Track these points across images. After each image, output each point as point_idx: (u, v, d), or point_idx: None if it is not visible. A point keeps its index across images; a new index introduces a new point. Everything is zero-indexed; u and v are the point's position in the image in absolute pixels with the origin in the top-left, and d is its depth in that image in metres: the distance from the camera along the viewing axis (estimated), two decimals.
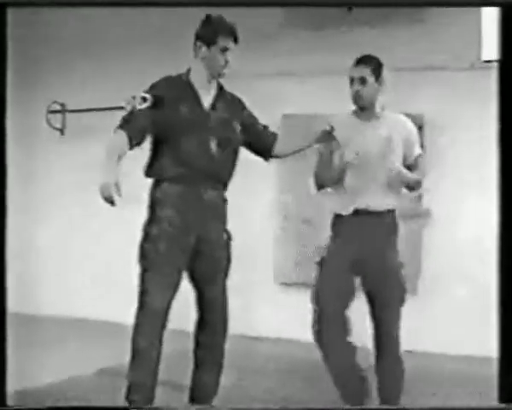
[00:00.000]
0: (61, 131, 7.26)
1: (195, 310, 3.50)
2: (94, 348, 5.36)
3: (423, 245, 5.85)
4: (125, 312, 6.33)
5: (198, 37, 3.33)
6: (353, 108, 3.56)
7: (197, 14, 3.31)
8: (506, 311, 2.53)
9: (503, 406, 2.48)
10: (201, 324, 3.49)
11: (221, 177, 3.40)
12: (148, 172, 3.37)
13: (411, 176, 3.47)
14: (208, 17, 3.33)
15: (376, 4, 4.49)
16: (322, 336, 3.44)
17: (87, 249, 6.99)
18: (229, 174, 3.45)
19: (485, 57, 5.77)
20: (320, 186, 3.60)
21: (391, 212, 3.56)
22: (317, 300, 3.47)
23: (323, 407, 2.87)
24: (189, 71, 3.39)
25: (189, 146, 3.25)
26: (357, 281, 3.54)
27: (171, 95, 3.26)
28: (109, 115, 6.84)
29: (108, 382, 4.10)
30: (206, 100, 3.35)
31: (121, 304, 6.47)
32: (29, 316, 6.58)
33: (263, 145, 3.61)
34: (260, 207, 6.26)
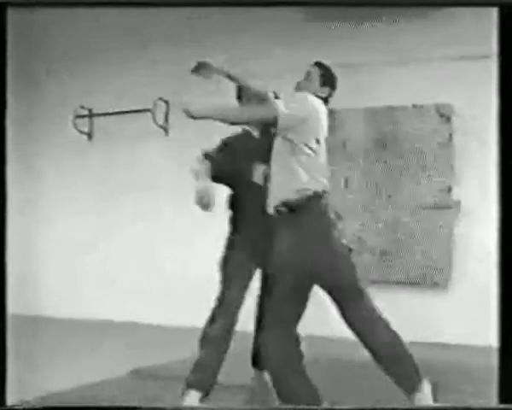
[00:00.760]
0: (89, 135, 7.32)
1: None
2: (124, 350, 5.37)
3: (454, 238, 5.78)
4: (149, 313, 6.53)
5: None
6: None
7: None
8: None
9: (503, 406, 2.45)
10: None
11: None
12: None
13: None
14: None
15: (376, 4, 4.47)
16: None
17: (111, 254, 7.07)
18: None
19: None
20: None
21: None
22: None
23: (324, 406, 2.84)
24: None
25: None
26: None
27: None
28: (134, 119, 6.96)
29: (141, 383, 4.11)
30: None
31: (148, 306, 6.62)
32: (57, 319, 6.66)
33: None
34: None
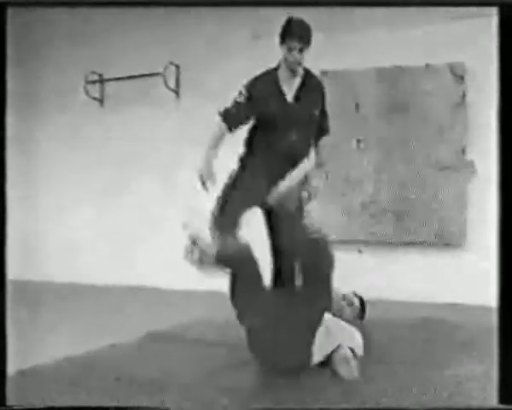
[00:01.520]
0: (100, 101, 7.31)
1: None
2: (138, 314, 5.42)
3: (468, 198, 5.75)
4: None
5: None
6: None
7: None
8: None
9: (503, 406, 2.46)
10: None
11: (297, 158, 3.87)
12: (245, 143, 3.92)
13: None
14: (287, 19, 3.67)
15: (376, 4, 4.50)
16: None
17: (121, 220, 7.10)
18: (304, 155, 3.90)
19: None
20: None
21: None
22: None
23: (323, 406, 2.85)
24: (278, 66, 3.77)
25: (273, 136, 3.78)
26: None
27: (260, 94, 3.73)
28: (145, 83, 6.93)
29: (156, 346, 4.13)
30: (290, 93, 3.77)
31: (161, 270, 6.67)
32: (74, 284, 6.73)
33: (317, 132, 3.97)
34: None
